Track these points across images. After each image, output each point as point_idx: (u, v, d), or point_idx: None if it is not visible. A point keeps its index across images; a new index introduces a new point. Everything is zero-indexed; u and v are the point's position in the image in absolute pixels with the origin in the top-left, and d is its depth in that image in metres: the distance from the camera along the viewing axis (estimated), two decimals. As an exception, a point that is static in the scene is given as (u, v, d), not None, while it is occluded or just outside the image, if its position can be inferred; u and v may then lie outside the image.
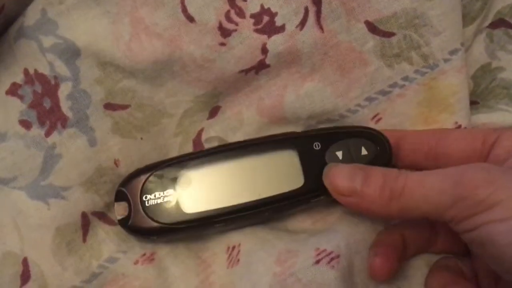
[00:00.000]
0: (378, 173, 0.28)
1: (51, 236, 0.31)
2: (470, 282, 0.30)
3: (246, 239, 0.33)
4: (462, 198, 0.25)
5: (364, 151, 0.32)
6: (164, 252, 0.33)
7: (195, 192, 0.31)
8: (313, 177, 0.31)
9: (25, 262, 0.30)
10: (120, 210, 0.31)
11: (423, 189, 0.26)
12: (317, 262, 0.30)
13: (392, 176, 0.27)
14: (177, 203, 0.31)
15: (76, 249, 0.31)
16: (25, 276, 0.30)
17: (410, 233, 0.31)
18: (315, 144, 0.32)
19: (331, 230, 0.32)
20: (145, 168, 0.32)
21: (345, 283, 0.29)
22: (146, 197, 0.31)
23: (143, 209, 0.31)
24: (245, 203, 0.31)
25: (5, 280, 0.30)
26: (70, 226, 0.31)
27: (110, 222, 0.33)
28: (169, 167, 0.32)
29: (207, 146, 0.34)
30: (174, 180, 0.31)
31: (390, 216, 0.28)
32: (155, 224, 0.31)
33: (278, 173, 0.32)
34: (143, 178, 0.31)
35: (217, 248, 0.33)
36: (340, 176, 0.29)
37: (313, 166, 0.31)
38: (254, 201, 0.31)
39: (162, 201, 0.31)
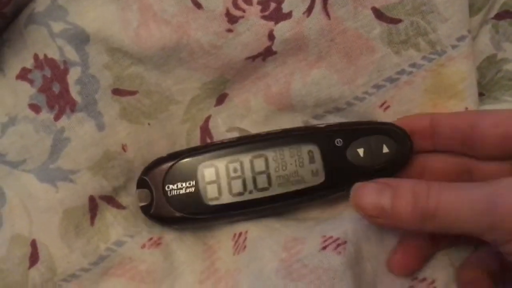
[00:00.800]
0: (406, 190, 0.27)
1: (59, 218, 0.31)
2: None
3: (253, 227, 0.33)
4: (499, 224, 0.24)
5: (385, 149, 0.31)
6: (171, 237, 0.33)
7: (217, 183, 0.31)
8: (333, 174, 0.31)
9: (33, 244, 0.31)
10: (142, 197, 0.32)
11: (456, 212, 0.25)
12: (324, 248, 0.30)
13: (423, 194, 0.26)
14: (199, 194, 0.31)
15: (84, 232, 0.32)
16: (34, 257, 0.31)
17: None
18: (337, 140, 0.32)
19: (338, 217, 0.32)
20: (166, 158, 0.32)
21: (351, 269, 0.29)
22: (168, 187, 0.31)
23: (165, 199, 0.31)
24: (266, 197, 0.31)
25: (14, 261, 0.30)
26: (78, 209, 0.31)
27: (118, 206, 0.33)
28: (190, 157, 0.32)
29: (228, 136, 0.34)
30: (196, 171, 0.31)
31: (425, 233, 0.28)
32: (177, 214, 0.31)
33: (300, 167, 0.32)
34: (165, 167, 0.32)
35: (223, 235, 0.33)
36: (366, 197, 0.28)
37: (334, 163, 0.31)
38: (275, 195, 0.31)
39: (184, 191, 0.31)
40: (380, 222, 0.28)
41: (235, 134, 0.35)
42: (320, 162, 0.31)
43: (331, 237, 0.30)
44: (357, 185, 0.29)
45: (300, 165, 0.32)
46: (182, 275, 0.32)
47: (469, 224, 0.25)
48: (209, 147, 0.33)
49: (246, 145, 0.32)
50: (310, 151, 0.32)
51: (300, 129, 0.33)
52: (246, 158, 0.32)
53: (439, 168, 0.31)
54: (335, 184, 0.31)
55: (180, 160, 0.32)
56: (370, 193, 0.28)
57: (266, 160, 0.32)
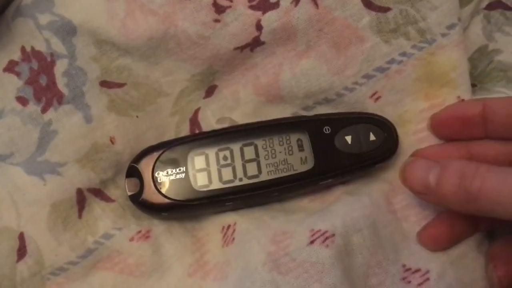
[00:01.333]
0: (453, 171, 0.27)
1: (47, 211, 0.31)
2: None
3: (241, 219, 0.32)
4: None
5: (372, 137, 0.32)
6: (160, 230, 0.33)
7: (207, 170, 0.31)
8: (323, 160, 0.32)
9: (21, 237, 0.31)
10: (131, 186, 0.32)
11: (498, 197, 0.25)
12: (311, 242, 0.29)
13: (469, 174, 0.26)
14: (189, 181, 0.31)
15: (72, 225, 0.31)
16: (22, 251, 0.30)
17: None
18: (325, 128, 0.32)
19: (327, 210, 0.32)
20: (158, 145, 0.32)
21: (341, 261, 0.29)
22: (158, 174, 0.31)
23: (154, 185, 0.31)
24: (256, 183, 0.31)
25: (2, 254, 0.30)
26: (65, 202, 0.31)
27: (106, 198, 0.33)
28: (182, 145, 0.32)
29: (218, 126, 0.34)
30: (186, 158, 0.32)
31: (469, 214, 0.28)
32: (166, 200, 0.31)
33: (289, 155, 0.32)
34: (156, 154, 0.32)
35: (212, 227, 0.33)
36: (415, 172, 0.29)
37: (323, 149, 0.32)
38: (265, 181, 0.31)
39: (174, 178, 0.31)
40: (425, 199, 0.29)
41: (225, 125, 0.34)
42: (309, 150, 0.32)
43: (319, 230, 0.30)
44: (408, 160, 0.30)
45: (290, 152, 0.32)
46: (171, 268, 0.32)
47: (510, 210, 0.25)
48: (199, 135, 0.33)
49: (236, 133, 0.32)
50: (299, 139, 0.32)
51: (289, 119, 0.34)
52: (236, 146, 0.32)
53: (489, 156, 0.31)
54: (324, 171, 0.32)
55: (170, 147, 0.32)
56: (419, 169, 0.28)
57: (256, 148, 0.32)
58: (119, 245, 0.32)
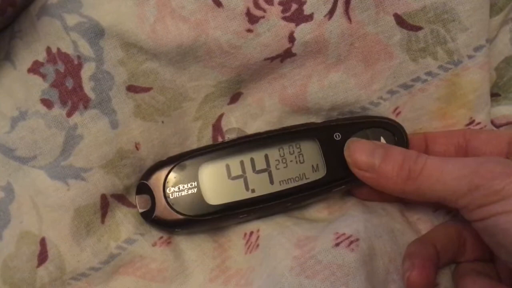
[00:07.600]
0: (398, 152, 0.29)
1: (70, 216, 0.30)
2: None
3: (264, 225, 0.33)
4: (478, 187, 0.25)
5: (383, 140, 0.32)
6: (181, 236, 0.33)
7: (218, 183, 0.31)
8: (335, 167, 0.32)
9: (43, 242, 0.30)
10: (142, 203, 0.31)
11: (440, 174, 0.27)
12: (337, 245, 0.30)
13: (412, 157, 0.28)
14: (201, 195, 0.31)
15: (95, 230, 0.31)
16: (42, 256, 0.30)
17: (442, 244, 0.31)
18: (336, 134, 0.32)
19: (349, 215, 0.33)
20: (167, 161, 0.32)
21: (365, 266, 0.29)
22: (169, 190, 0.31)
23: (166, 201, 0.31)
24: (269, 194, 0.31)
25: (22, 259, 0.30)
26: (89, 207, 0.31)
27: (129, 204, 0.32)
28: (191, 159, 0.32)
29: (227, 137, 0.34)
30: (196, 172, 0.31)
31: (405, 195, 0.29)
32: (179, 217, 0.31)
33: (300, 163, 0.32)
34: (165, 170, 0.31)
35: (233, 234, 0.33)
36: (361, 151, 0.30)
37: (334, 156, 0.32)
38: (277, 191, 0.31)
39: (185, 193, 0.31)
40: (367, 176, 0.30)
41: (234, 137, 0.34)
42: (320, 157, 0.32)
43: (343, 234, 0.30)
44: (353, 139, 0.31)
45: (301, 161, 0.32)
46: (192, 274, 0.32)
47: (449, 185, 0.27)
48: (208, 148, 0.33)
49: (246, 144, 0.32)
50: (309, 147, 0.32)
51: (298, 126, 0.33)
52: (246, 157, 0.32)
53: None
54: (336, 178, 0.32)
55: (180, 162, 0.31)
56: (364, 148, 0.30)
57: (267, 158, 0.32)
58: (142, 250, 0.32)
